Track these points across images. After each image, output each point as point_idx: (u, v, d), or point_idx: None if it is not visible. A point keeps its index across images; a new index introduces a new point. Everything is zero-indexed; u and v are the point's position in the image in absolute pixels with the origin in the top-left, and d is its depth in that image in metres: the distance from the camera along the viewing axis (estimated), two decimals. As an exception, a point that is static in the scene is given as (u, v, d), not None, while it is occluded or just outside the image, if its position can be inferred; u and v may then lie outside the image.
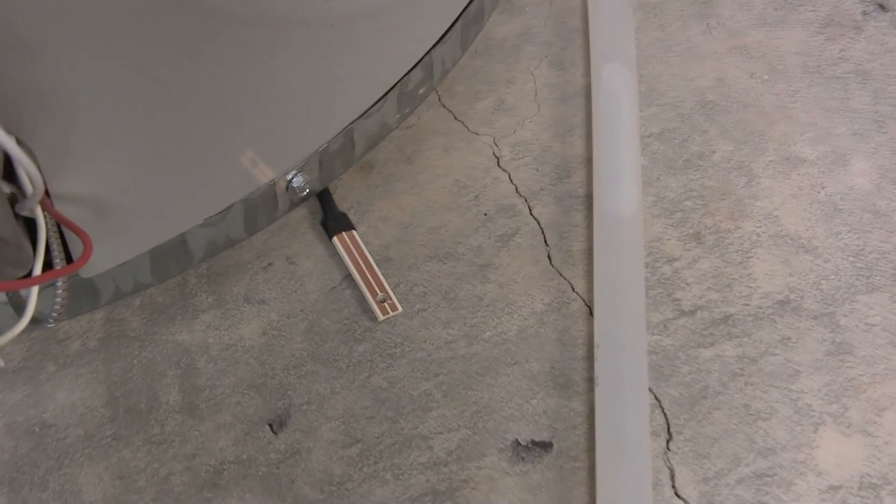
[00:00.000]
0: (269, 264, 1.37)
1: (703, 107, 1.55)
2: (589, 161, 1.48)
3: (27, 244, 0.92)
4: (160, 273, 1.27)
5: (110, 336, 1.30)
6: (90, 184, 1.02)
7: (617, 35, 1.62)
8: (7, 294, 0.98)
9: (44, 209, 0.93)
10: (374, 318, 1.31)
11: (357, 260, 1.36)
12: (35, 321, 0.99)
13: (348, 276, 1.36)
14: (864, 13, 1.68)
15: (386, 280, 1.34)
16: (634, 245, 1.37)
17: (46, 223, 0.95)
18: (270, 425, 1.22)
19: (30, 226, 0.94)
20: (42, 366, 1.26)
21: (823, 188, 1.44)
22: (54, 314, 1.02)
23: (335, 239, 1.38)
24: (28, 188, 0.87)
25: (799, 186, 1.44)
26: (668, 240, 1.39)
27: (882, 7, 1.69)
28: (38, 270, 0.94)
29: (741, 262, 1.36)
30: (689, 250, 1.38)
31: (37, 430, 1.21)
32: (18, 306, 1.01)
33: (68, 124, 0.96)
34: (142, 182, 1.13)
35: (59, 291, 1.02)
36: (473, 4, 1.47)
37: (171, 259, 1.26)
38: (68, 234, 1.00)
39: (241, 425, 1.22)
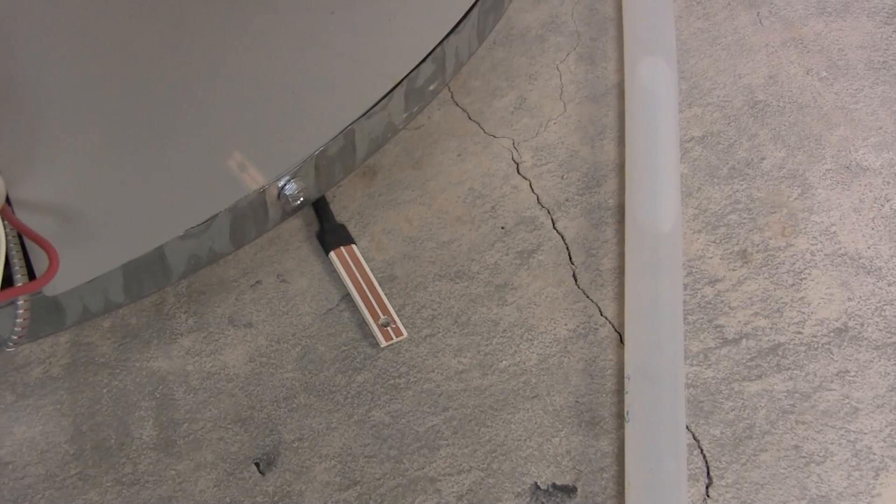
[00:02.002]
0: (258, 282, 1.41)
1: (753, 107, 1.59)
2: (621, 168, 1.52)
3: None
4: (134, 291, 1.30)
5: (76, 362, 1.33)
6: (56, 190, 1.05)
7: (655, 25, 1.65)
8: None
9: (3, 218, 0.96)
10: (375, 344, 1.35)
11: (357, 278, 1.39)
12: None
13: (347, 297, 1.39)
14: None
15: (389, 301, 1.38)
16: (672, 264, 1.40)
17: (6, 234, 0.98)
18: (257, 465, 1.25)
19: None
20: None
21: (889, 201, 1.47)
22: (14, 337, 1.06)
23: (332, 254, 1.42)
24: None
25: (861, 199, 1.48)
26: (711, 258, 1.43)
27: None
28: None
29: (793, 285, 1.40)
30: (734, 270, 1.41)
31: None
32: None
33: (32, 124, 1.00)
34: (115, 189, 1.17)
35: (20, 311, 1.05)
36: None
37: (146, 275, 1.29)
38: (31, 247, 1.04)
39: (224, 464, 1.25)
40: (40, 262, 1.07)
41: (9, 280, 1.02)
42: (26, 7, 0.96)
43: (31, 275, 1.06)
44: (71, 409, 1.30)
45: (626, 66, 1.63)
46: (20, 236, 1.03)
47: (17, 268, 1.04)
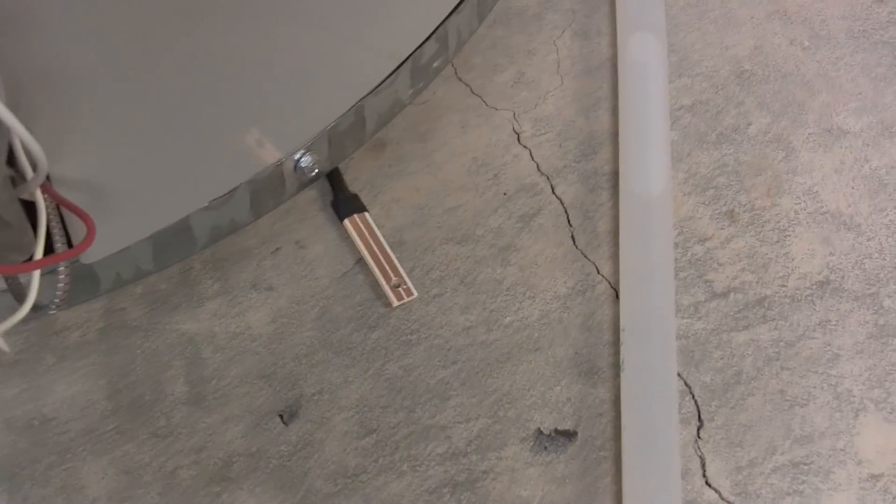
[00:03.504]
0: (277, 249, 1.46)
1: (739, 77, 1.63)
2: (615, 136, 1.55)
3: (29, 228, 1.01)
4: (162, 259, 1.35)
5: (110, 326, 1.38)
6: (89, 166, 1.10)
7: (645, 1, 1.68)
8: (7, 280, 1.07)
9: (44, 192, 1.01)
10: (388, 304, 1.39)
11: (370, 243, 1.43)
12: (36, 308, 1.08)
13: (360, 261, 1.44)
14: None
15: (400, 264, 1.42)
16: (664, 225, 1.44)
17: (47, 206, 1.03)
18: (281, 416, 1.30)
19: (29, 210, 1.03)
20: (40, 358, 1.35)
21: (868, 162, 1.51)
22: (56, 301, 1.11)
23: (346, 222, 1.46)
24: (28, 171, 0.97)
25: (841, 160, 1.52)
26: (700, 218, 1.47)
27: None
28: (39, 255, 1.03)
29: (778, 242, 1.44)
30: (722, 229, 1.45)
31: (36, 424, 1.30)
32: (18, 293, 1.09)
33: (67, 104, 1.04)
34: (143, 164, 1.21)
35: (62, 277, 1.11)
36: None
37: (173, 244, 1.34)
38: (68, 219, 1.09)
39: (251, 417, 1.30)
40: (76, 233, 1.11)
41: (49, 249, 1.06)
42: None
43: (69, 244, 1.10)
44: (107, 369, 1.35)
45: (618, 41, 1.66)
46: (58, 209, 1.08)
47: (57, 237, 1.08)
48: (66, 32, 1.01)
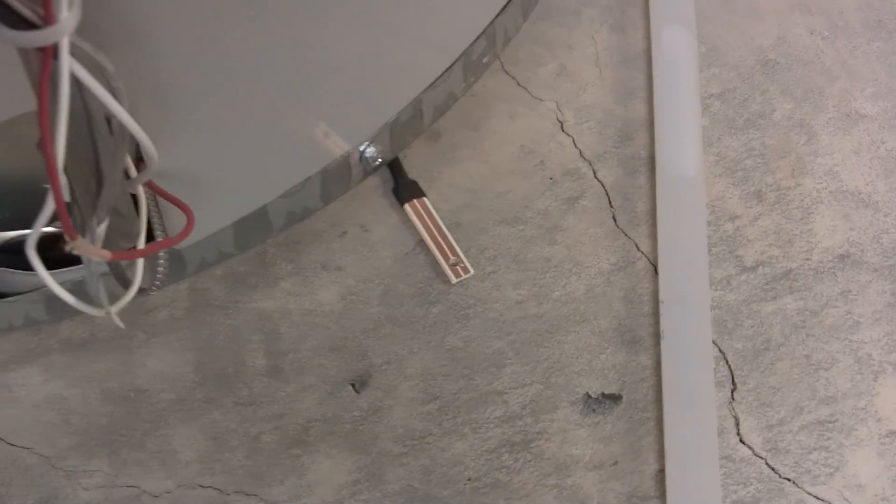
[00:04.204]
0: (344, 232, 1.50)
1: (764, 66, 1.66)
2: (650, 123, 1.59)
3: (136, 217, 1.08)
4: (242, 243, 1.42)
5: (195, 305, 1.44)
6: (179, 161, 1.16)
7: None
8: (110, 265, 1.12)
9: (148, 186, 1.08)
10: (447, 281, 1.44)
11: (428, 226, 1.48)
12: (140, 290, 1.14)
13: (421, 242, 1.48)
14: None
15: (457, 244, 1.46)
16: (697, 204, 1.49)
17: (147, 199, 1.10)
18: (353, 385, 1.36)
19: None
20: (132, 335, 1.41)
21: (884, 143, 1.56)
22: (157, 282, 1.17)
23: (407, 206, 1.50)
24: (132, 170, 1.04)
25: (859, 142, 1.56)
26: (730, 198, 1.51)
27: None
28: (142, 243, 1.10)
29: (802, 219, 1.49)
30: (750, 208, 1.50)
31: (131, 395, 1.36)
32: (121, 277, 1.14)
33: (163, 106, 1.11)
34: (227, 158, 1.27)
35: (161, 262, 1.17)
36: None
37: (252, 230, 1.41)
38: (164, 209, 1.16)
39: (325, 386, 1.36)
40: (168, 221, 1.18)
41: (149, 237, 1.12)
42: (157, 13, 1.07)
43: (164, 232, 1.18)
44: (193, 344, 1.40)
45: (651, 34, 1.69)
46: (155, 200, 1.14)
47: (157, 226, 1.14)
48: (165, 47, 1.06)
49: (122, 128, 0.89)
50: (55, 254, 1.08)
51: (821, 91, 1.63)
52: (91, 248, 0.95)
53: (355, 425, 1.33)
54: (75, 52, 0.80)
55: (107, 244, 1.01)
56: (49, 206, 0.92)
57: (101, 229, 0.99)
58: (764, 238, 1.48)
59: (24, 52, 0.82)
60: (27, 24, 0.76)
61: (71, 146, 0.85)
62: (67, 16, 0.77)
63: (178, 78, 1.11)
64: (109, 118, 0.91)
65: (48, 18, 0.76)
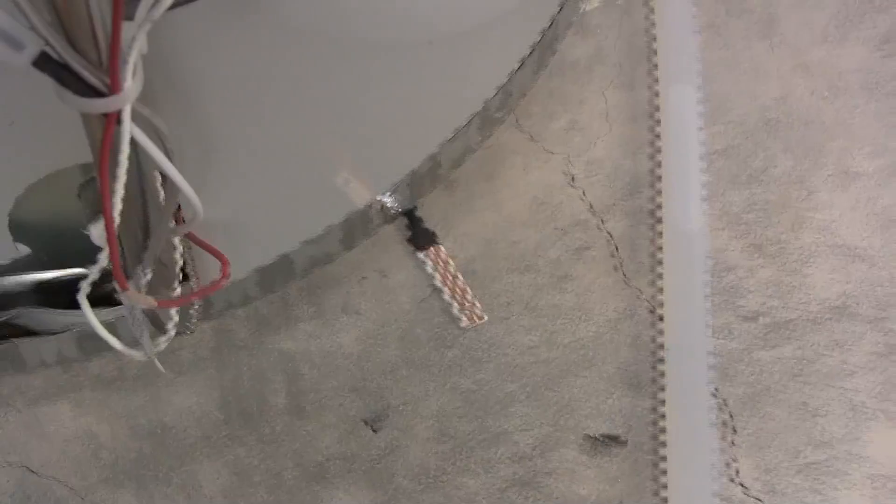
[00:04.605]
0: (363, 278, 1.54)
1: (766, 124, 1.68)
2: (657, 177, 1.62)
3: (176, 267, 1.13)
4: (266, 287, 1.46)
5: (220, 345, 1.48)
6: (214, 212, 1.15)
7: (681, 56, 1.74)
8: (146, 312, 1.16)
9: (191, 239, 1.12)
10: (461, 326, 1.48)
11: (444, 273, 1.52)
12: (176, 332, 1.19)
13: (435, 288, 1.52)
14: None
15: (471, 291, 1.50)
16: (700, 256, 1.52)
17: (183, 247, 1.15)
18: (371, 424, 1.40)
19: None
20: (159, 374, 1.45)
21: (880, 200, 1.58)
22: (191, 326, 1.22)
23: (423, 253, 1.54)
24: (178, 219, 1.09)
25: (856, 199, 1.58)
26: (732, 250, 1.54)
27: None
28: (177, 291, 1.14)
29: (800, 271, 1.51)
30: (751, 260, 1.53)
31: (158, 431, 1.41)
32: (156, 321, 1.18)
33: (202, 162, 1.16)
34: (256, 208, 1.31)
35: (196, 306, 1.22)
36: (548, 32, 1.60)
37: (276, 275, 1.44)
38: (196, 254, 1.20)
39: (344, 425, 1.40)
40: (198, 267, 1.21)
41: (185, 282, 1.17)
42: (202, 79, 1.11)
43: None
44: (218, 383, 1.44)
45: (659, 91, 1.71)
46: (189, 247, 1.17)
47: (191, 272, 1.19)
48: (207, 110, 1.11)
49: (173, 186, 0.94)
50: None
51: (820, 149, 1.66)
52: (139, 296, 1.01)
53: (373, 463, 1.37)
54: (135, 117, 0.86)
55: (150, 291, 1.06)
56: (104, 257, 0.98)
57: (147, 278, 1.04)
58: (764, 289, 1.50)
59: (87, 117, 0.87)
60: (94, 92, 0.81)
61: (124, 202, 0.91)
62: (131, 85, 0.82)
63: (216, 137, 1.16)
64: (163, 177, 0.96)
65: (114, 87, 0.81)
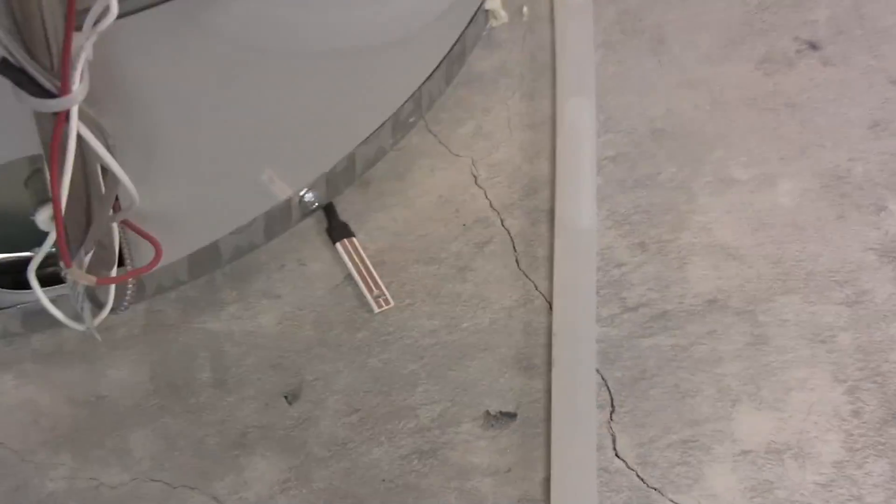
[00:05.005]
0: (283, 265, 1.60)
1: (653, 133, 1.75)
2: (553, 181, 1.68)
3: (114, 249, 1.20)
4: (195, 272, 1.53)
5: (151, 324, 1.54)
6: (149, 202, 1.20)
7: (579, 71, 1.80)
8: (87, 289, 1.23)
9: (127, 225, 1.19)
10: (370, 310, 1.54)
11: (357, 262, 1.58)
12: (112, 309, 1.27)
13: (349, 276, 1.58)
14: (797, 51, 1.88)
15: (381, 279, 1.56)
16: (589, 252, 1.58)
17: (119, 232, 1.21)
18: (286, 397, 1.47)
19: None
20: (94, 348, 1.50)
21: (752, 205, 1.66)
22: (125, 304, 1.29)
23: (338, 245, 1.60)
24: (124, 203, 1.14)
25: (731, 204, 1.66)
26: (618, 248, 1.61)
27: (813, 46, 1.89)
28: (114, 271, 1.22)
29: (679, 267, 1.59)
30: (634, 257, 1.60)
31: (93, 400, 1.47)
32: (94, 299, 1.25)
33: (141, 157, 1.22)
34: (187, 200, 1.37)
35: (130, 287, 1.28)
36: (457, 46, 1.68)
37: (204, 261, 1.52)
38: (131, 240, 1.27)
39: (262, 397, 1.47)
40: (133, 251, 1.29)
41: (121, 264, 1.24)
42: (141, 86, 1.14)
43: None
44: (149, 358, 1.50)
45: (557, 103, 1.77)
46: (125, 232, 1.23)
47: (126, 255, 1.27)
48: (145, 110, 1.18)
49: (115, 177, 1.03)
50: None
51: (701, 158, 1.73)
52: (82, 275, 1.09)
53: (287, 432, 1.44)
54: (82, 116, 0.95)
55: (90, 271, 1.14)
56: (50, 239, 1.07)
57: (88, 258, 1.12)
58: (645, 283, 1.58)
59: (39, 115, 0.96)
60: (46, 94, 0.90)
61: (70, 190, 1.01)
62: (78, 87, 0.91)
63: (154, 135, 1.22)
64: (105, 169, 1.05)
65: (64, 89, 0.90)
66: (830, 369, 1.50)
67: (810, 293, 1.58)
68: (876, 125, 1.80)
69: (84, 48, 0.90)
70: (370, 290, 1.57)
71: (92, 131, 0.98)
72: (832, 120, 1.80)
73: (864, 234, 1.65)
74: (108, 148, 1.01)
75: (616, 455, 1.42)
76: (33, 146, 1.03)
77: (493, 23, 1.92)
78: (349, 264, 1.59)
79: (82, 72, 0.92)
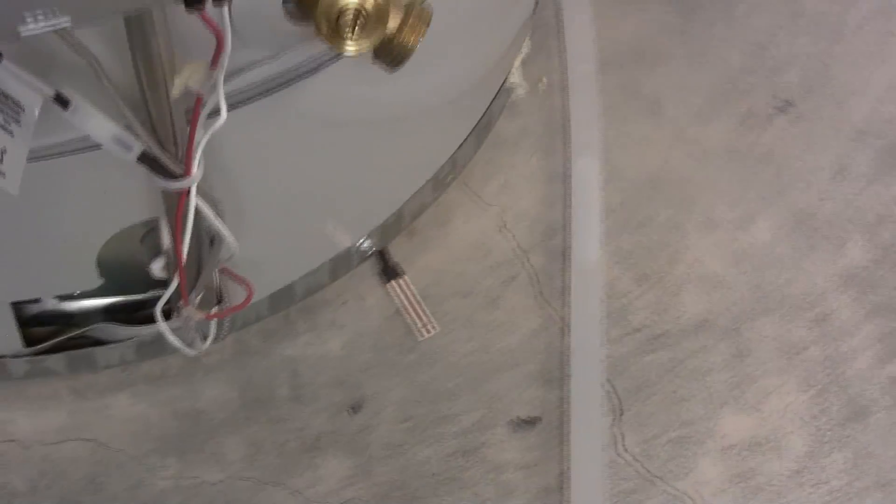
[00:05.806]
0: (346, 301, 1.67)
1: (651, 182, 1.82)
2: (567, 225, 1.76)
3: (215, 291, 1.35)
4: (274, 308, 1.63)
5: (239, 351, 1.61)
6: (241, 251, 1.26)
7: (588, 132, 1.87)
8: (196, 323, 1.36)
9: (222, 269, 1.33)
10: (418, 336, 1.63)
11: (405, 297, 1.66)
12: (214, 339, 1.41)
13: (400, 308, 1.66)
14: (776, 108, 1.97)
15: (426, 310, 1.65)
16: (598, 284, 1.67)
17: (216, 275, 1.34)
18: (351, 409, 1.57)
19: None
20: (193, 372, 1.61)
21: (736, 241, 1.75)
22: (222, 335, 1.44)
23: (390, 283, 1.67)
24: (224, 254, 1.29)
25: (718, 240, 1.75)
26: (623, 280, 1.70)
27: (788, 102, 1.97)
28: (216, 309, 1.36)
29: (674, 294, 1.69)
30: (637, 287, 1.70)
31: (193, 414, 1.56)
32: (200, 331, 1.39)
33: (236, 217, 1.28)
34: (270, 250, 1.43)
35: (226, 321, 1.44)
36: (485, 116, 1.77)
37: (282, 299, 1.61)
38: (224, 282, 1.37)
39: (331, 409, 1.55)
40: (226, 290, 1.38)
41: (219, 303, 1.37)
42: (239, 163, 1.20)
43: (222, 299, 1.40)
44: (237, 378, 1.59)
45: (571, 159, 1.84)
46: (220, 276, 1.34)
47: (225, 296, 1.38)
48: (242, 180, 1.25)
49: (222, 237, 1.20)
50: (142, 314, 1.38)
51: (692, 202, 1.78)
52: (195, 311, 1.27)
53: (352, 437, 1.53)
54: (198, 191, 1.11)
55: (199, 308, 1.31)
56: (173, 285, 1.24)
57: (198, 299, 1.29)
58: (646, 308, 1.67)
59: (167, 192, 1.12)
60: (174, 176, 1.07)
61: (189, 246, 1.17)
62: (197, 171, 1.08)
63: (249, 199, 1.30)
64: (216, 231, 1.20)
65: (187, 172, 1.07)
66: (802, 376, 1.61)
67: (785, 313, 1.68)
68: (843, 170, 1.89)
69: (200, 143, 1.05)
70: (418, 319, 1.64)
71: (206, 202, 1.14)
72: (804, 166, 1.86)
73: (830, 264, 1.74)
74: (218, 213, 1.17)
75: (624, 450, 1.52)
76: (149, 213, 1.19)
77: (515, 94, 1.97)
78: (399, 298, 1.66)
79: (199, 159, 1.07)
